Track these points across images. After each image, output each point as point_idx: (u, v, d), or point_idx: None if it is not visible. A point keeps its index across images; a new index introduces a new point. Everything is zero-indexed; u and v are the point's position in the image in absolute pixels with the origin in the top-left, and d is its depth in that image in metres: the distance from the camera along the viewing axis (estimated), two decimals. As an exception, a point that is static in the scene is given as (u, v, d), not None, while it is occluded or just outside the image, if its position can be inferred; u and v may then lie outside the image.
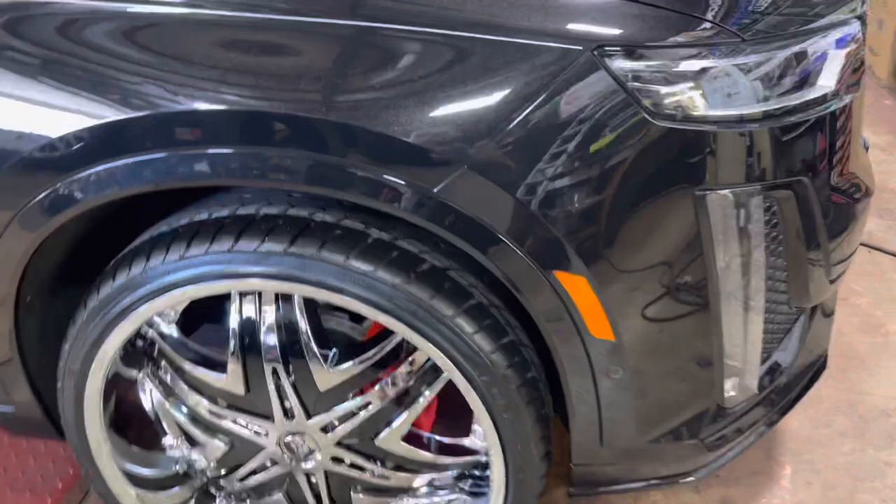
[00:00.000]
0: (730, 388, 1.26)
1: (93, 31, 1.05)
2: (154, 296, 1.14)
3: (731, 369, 1.23)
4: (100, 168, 1.06)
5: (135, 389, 1.38)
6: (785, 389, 1.39)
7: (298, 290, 1.12)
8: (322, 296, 1.11)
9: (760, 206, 1.09)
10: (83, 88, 1.04)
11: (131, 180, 1.07)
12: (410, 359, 1.22)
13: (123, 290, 1.16)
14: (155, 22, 1.04)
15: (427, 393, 1.24)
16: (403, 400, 1.25)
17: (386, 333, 1.24)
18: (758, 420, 1.35)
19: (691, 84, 1.01)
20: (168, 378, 1.34)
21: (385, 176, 1.01)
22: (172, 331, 1.29)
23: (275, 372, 1.24)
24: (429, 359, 1.22)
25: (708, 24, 1.02)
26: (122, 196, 1.10)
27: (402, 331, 1.12)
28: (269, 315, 1.21)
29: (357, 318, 1.37)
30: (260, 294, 1.20)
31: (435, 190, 1.00)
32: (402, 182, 1.00)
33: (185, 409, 1.35)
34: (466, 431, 1.33)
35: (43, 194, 1.10)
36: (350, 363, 1.22)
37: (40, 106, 1.06)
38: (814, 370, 1.47)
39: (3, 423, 1.43)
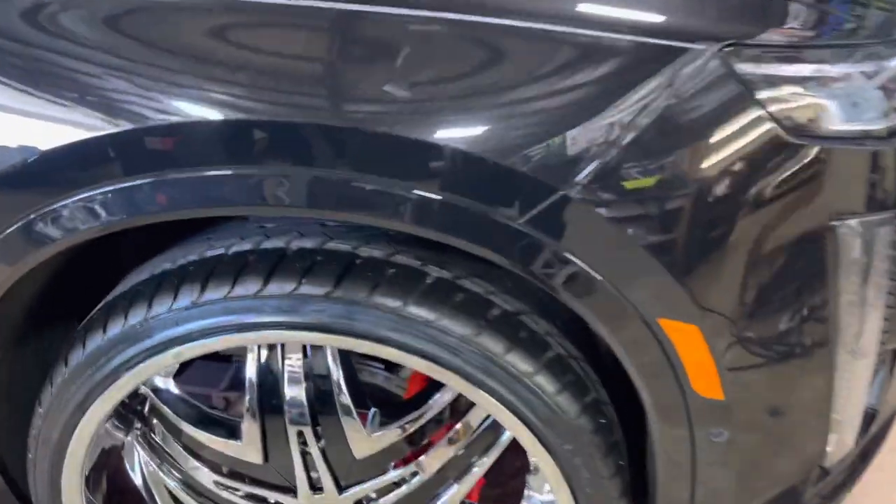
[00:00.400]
0: (831, 445, 1.09)
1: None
2: (158, 351, 0.91)
3: (835, 424, 1.07)
4: (87, 195, 0.83)
5: (119, 457, 1.15)
6: (874, 441, 1.23)
7: (342, 344, 0.91)
8: (371, 350, 0.90)
9: (890, 236, 0.93)
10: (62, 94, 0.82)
11: (131, 209, 0.84)
12: (465, 420, 1.02)
13: (118, 344, 0.92)
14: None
15: (484, 460, 1.04)
16: (455, 469, 1.05)
17: (431, 388, 1.04)
18: (848, 477, 1.19)
19: (827, 92, 0.84)
20: (162, 442, 1.11)
21: (458, 203, 0.81)
22: (169, 385, 1.06)
23: (300, 435, 1.02)
24: (486, 420, 1.02)
25: (850, 21, 0.86)
26: (116, 229, 0.87)
27: (467, 391, 0.92)
28: (295, 364, 0.99)
29: (390, 366, 1.17)
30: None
31: (521, 221, 0.81)
32: (482, 210, 0.81)
33: (182, 480, 1.13)
34: (517, 498, 1.14)
35: (12, 228, 0.87)
36: (394, 425, 1.02)
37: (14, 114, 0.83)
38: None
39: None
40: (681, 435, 0.95)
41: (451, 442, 1.03)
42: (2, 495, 1.19)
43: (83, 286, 1.10)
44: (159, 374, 1.02)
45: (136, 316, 0.91)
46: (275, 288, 0.88)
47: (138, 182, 0.82)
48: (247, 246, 0.93)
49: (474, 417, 1.03)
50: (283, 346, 0.99)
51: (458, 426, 1.03)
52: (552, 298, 1.03)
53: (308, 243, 0.91)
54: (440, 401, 1.01)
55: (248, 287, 0.88)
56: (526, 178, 0.79)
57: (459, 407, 1.03)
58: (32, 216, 0.86)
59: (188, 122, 0.80)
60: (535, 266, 0.83)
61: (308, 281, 0.88)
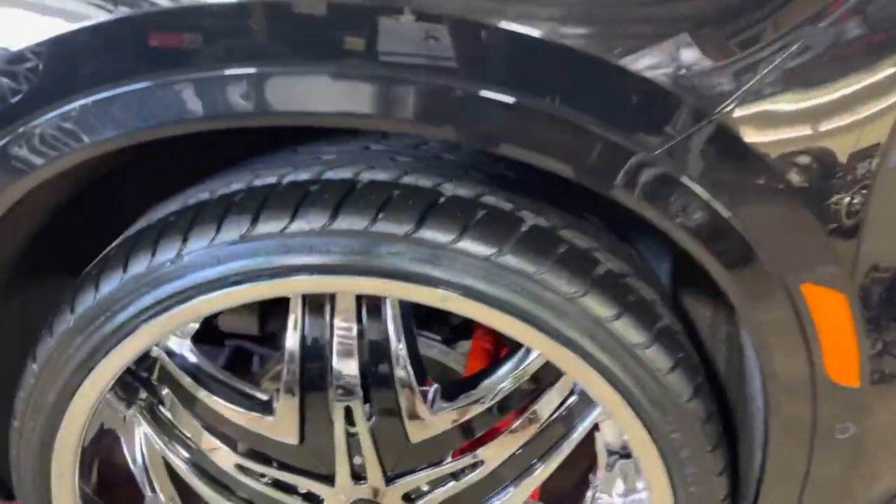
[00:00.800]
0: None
1: None
2: (191, 296, 0.75)
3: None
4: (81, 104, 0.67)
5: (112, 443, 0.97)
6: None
7: (419, 296, 0.75)
8: (453, 305, 0.75)
9: None
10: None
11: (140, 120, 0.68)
12: (540, 404, 0.87)
13: (141, 285, 0.76)
14: None
15: (562, 448, 0.89)
16: (519, 463, 0.90)
17: (494, 365, 0.89)
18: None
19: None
20: (173, 416, 0.94)
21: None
22: (186, 348, 0.90)
23: (348, 413, 0.86)
24: (563, 404, 0.88)
25: None
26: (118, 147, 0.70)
27: (564, 361, 0.77)
28: (346, 329, 0.83)
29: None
30: (333, 299, 0.82)
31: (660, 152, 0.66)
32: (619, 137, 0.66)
33: (192, 461, 0.95)
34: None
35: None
36: (459, 405, 0.86)
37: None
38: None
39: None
40: (800, 426, 0.81)
41: (520, 430, 0.88)
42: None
43: (79, 235, 0.93)
44: (177, 332, 0.85)
45: (168, 251, 0.74)
46: (344, 222, 0.72)
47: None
48: (305, 176, 0.77)
49: (550, 401, 0.88)
50: (332, 305, 0.83)
51: (532, 411, 0.88)
52: (647, 264, 0.90)
53: (381, 175, 0.76)
54: (512, 379, 0.86)
55: (312, 221, 0.72)
56: (675, 100, 0.65)
57: (533, 388, 0.88)
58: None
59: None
60: (663, 204, 0.68)
61: (385, 217, 0.72)
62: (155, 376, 0.92)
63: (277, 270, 0.73)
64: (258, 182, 0.77)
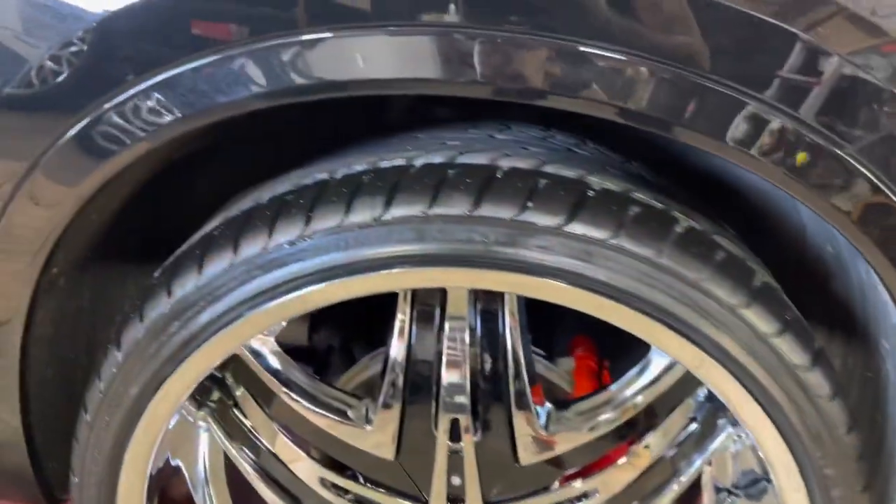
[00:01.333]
0: None
1: None
2: (309, 282, 0.67)
3: None
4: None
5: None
6: None
7: (566, 299, 0.67)
8: (596, 309, 0.67)
9: None
10: None
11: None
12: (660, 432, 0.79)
13: (252, 270, 0.68)
14: None
15: (682, 479, 0.81)
16: (639, 490, 0.82)
17: (606, 385, 0.81)
18: None
19: None
20: (247, 419, 0.85)
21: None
22: (270, 348, 0.81)
23: (453, 426, 0.78)
24: (688, 427, 0.80)
25: None
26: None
27: (715, 380, 0.69)
28: (460, 335, 0.76)
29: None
30: (443, 298, 0.75)
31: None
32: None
33: (261, 465, 0.86)
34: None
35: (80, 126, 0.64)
36: (580, 425, 0.78)
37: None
38: None
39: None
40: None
41: (635, 459, 0.80)
42: (12, 475, 0.90)
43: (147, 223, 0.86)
44: (265, 330, 0.77)
45: (287, 233, 0.67)
46: (490, 209, 0.65)
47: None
48: (438, 159, 0.70)
49: (669, 430, 0.80)
50: (443, 307, 0.75)
51: (648, 439, 0.80)
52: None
53: (521, 164, 0.69)
54: (640, 398, 0.78)
55: (454, 206, 0.65)
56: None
57: (657, 409, 0.81)
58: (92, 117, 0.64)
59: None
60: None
61: (535, 206, 0.65)
62: (231, 377, 0.84)
63: (408, 258, 0.66)
64: (384, 164, 0.70)
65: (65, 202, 0.68)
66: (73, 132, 0.66)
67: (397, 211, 0.65)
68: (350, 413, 0.80)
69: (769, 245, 0.83)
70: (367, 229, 0.65)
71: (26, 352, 0.76)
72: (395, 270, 0.66)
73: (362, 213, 0.66)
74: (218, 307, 0.69)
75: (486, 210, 0.65)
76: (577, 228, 0.65)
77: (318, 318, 1.00)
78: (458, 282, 0.69)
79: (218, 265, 0.69)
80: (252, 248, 0.68)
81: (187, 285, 0.70)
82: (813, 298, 0.86)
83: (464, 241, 0.64)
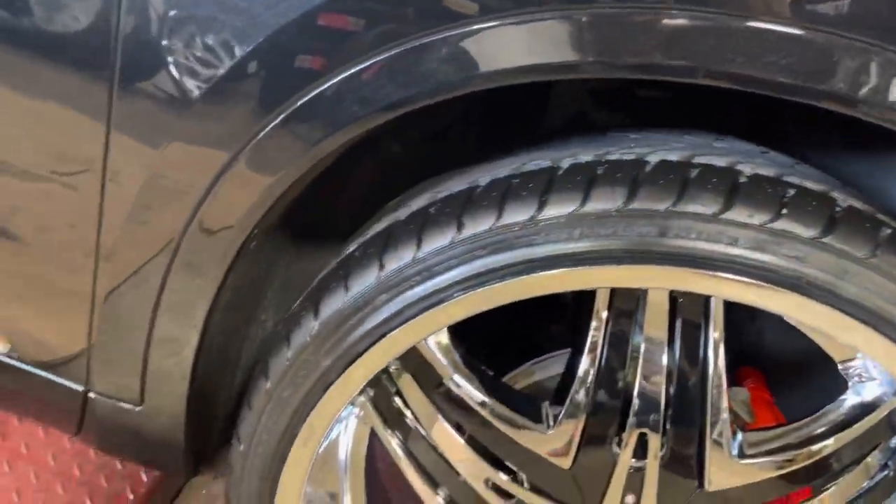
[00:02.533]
0: None
1: None
2: (534, 268, 0.64)
3: None
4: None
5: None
6: None
7: (811, 318, 0.63)
8: (842, 332, 0.63)
9: None
10: None
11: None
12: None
13: (474, 250, 0.66)
14: None
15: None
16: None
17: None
18: None
19: None
20: (412, 413, 0.81)
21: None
22: (444, 337, 0.78)
23: (642, 440, 0.74)
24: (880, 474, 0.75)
25: None
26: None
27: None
28: (657, 343, 0.72)
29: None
30: (640, 302, 0.71)
31: None
32: None
33: (419, 461, 0.83)
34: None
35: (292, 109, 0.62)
36: (776, 456, 0.74)
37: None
38: None
39: (103, 430, 0.86)
40: None
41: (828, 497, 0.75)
42: (165, 447, 0.87)
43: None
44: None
45: (520, 213, 0.64)
46: (735, 214, 0.61)
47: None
48: (674, 157, 0.66)
49: (863, 470, 0.75)
50: (642, 315, 0.72)
51: (843, 477, 0.75)
52: None
53: (768, 171, 0.65)
54: (834, 439, 0.73)
55: (705, 204, 0.62)
56: None
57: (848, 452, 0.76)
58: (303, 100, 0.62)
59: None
60: None
61: (789, 214, 0.62)
62: (395, 367, 0.81)
63: (614, 255, 0.63)
64: (619, 156, 0.67)
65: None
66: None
67: (596, 204, 0.62)
68: (532, 413, 0.76)
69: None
70: (607, 218, 0.62)
71: (210, 319, 0.74)
72: (594, 268, 0.64)
73: (603, 203, 0.63)
74: (428, 286, 0.67)
75: (732, 214, 0.62)
76: (830, 239, 0.61)
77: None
78: (675, 283, 0.66)
79: (471, 228, 0.66)
80: (480, 225, 0.65)
81: (397, 258, 0.67)
82: None
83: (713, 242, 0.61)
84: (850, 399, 0.74)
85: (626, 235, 0.62)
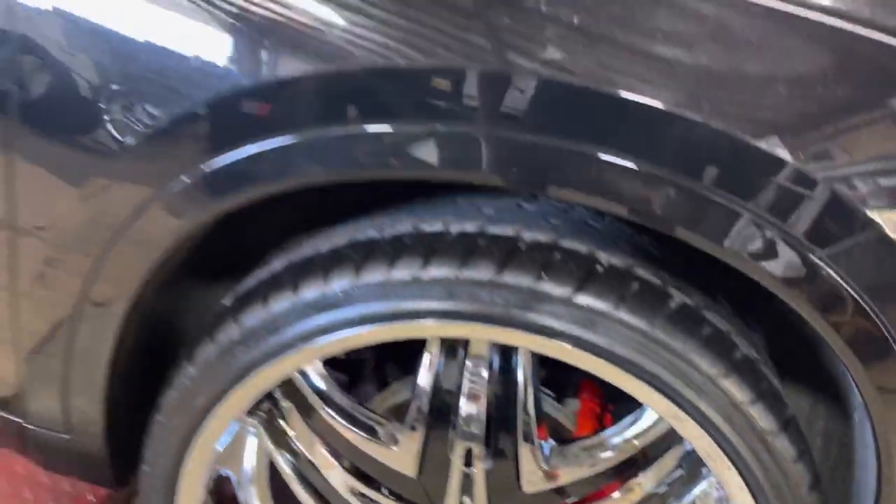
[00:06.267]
0: None
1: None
2: (352, 324, 0.80)
3: None
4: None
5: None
6: None
7: (570, 357, 0.79)
8: (597, 369, 0.79)
9: None
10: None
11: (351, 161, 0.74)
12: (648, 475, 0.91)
13: (308, 309, 0.82)
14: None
15: (665, 519, 0.92)
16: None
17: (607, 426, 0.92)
18: None
19: None
20: (290, 428, 0.98)
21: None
22: (317, 370, 0.94)
23: (468, 454, 0.90)
24: (676, 471, 0.91)
25: None
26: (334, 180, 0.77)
27: (697, 441, 0.80)
28: (479, 374, 0.88)
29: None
30: (467, 344, 0.87)
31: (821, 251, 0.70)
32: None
33: (301, 471, 1.00)
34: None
35: (209, 169, 0.76)
36: (576, 462, 0.90)
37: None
38: None
39: (44, 455, 1.04)
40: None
41: (624, 497, 0.91)
42: (94, 463, 1.04)
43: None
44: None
45: (340, 282, 0.80)
46: (510, 278, 0.77)
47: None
48: (469, 227, 0.82)
49: (654, 474, 0.91)
50: (465, 352, 0.88)
51: (637, 480, 0.91)
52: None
53: (542, 236, 0.81)
54: (634, 442, 0.89)
55: (480, 272, 0.77)
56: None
57: (649, 453, 0.92)
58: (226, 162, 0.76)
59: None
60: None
61: (548, 278, 0.77)
62: (280, 391, 0.97)
63: (443, 312, 0.78)
64: (425, 227, 0.82)
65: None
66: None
67: (432, 272, 0.78)
68: (382, 434, 0.93)
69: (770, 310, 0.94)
70: (406, 286, 0.78)
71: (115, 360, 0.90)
72: (422, 322, 0.79)
73: (402, 271, 0.78)
74: (280, 338, 0.83)
75: (508, 278, 0.77)
76: (581, 299, 0.77)
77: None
78: (475, 335, 0.82)
79: (282, 303, 0.82)
80: (311, 292, 0.81)
81: (256, 317, 0.83)
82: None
83: (483, 303, 0.77)
84: (645, 413, 0.90)
85: (418, 299, 0.78)
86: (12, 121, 0.80)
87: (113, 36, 0.77)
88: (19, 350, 0.94)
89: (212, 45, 0.75)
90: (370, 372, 1.17)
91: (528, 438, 0.88)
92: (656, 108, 0.68)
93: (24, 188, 0.84)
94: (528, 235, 0.81)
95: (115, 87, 0.77)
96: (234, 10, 0.74)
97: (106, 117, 0.77)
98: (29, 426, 1.00)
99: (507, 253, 0.79)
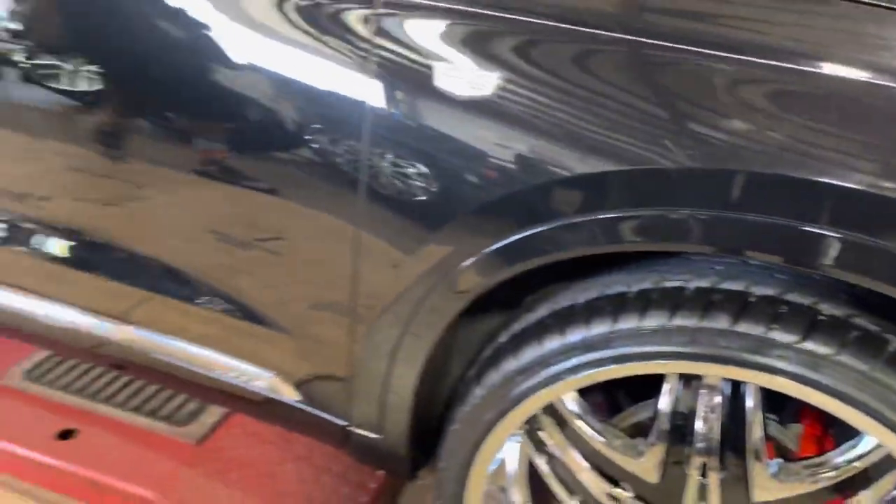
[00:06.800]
0: None
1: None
2: (613, 362, 1.02)
3: None
4: (603, 216, 0.95)
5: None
6: None
7: (800, 393, 0.96)
8: (827, 404, 0.94)
9: None
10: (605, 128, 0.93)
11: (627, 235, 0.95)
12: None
13: (571, 350, 1.05)
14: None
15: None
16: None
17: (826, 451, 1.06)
18: None
19: None
20: (549, 439, 1.22)
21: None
22: (573, 395, 1.17)
23: (703, 467, 1.08)
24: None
25: None
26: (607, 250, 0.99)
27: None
28: (712, 402, 1.06)
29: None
30: (701, 377, 1.05)
31: None
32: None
33: (558, 473, 1.23)
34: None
35: (515, 238, 1.01)
36: (801, 479, 1.05)
37: (550, 139, 0.97)
38: None
39: (359, 451, 1.37)
40: None
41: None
42: (396, 459, 1.35)
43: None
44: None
45: (600, 328, 1.03)
46: (743, 328, 0.95)
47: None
48: (704, 283, 1.01)
49: (884, 487, 1.04)
50: (700, 382, 1.06)
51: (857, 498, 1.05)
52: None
53: (769, 290, 0.98)
54: (854, 464, 1.03)
55: (718, 322, 0.96)
56: None
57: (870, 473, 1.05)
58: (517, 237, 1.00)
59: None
60: None
61: (777, 328, 0.94)
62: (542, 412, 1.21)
63: (686, 354, 0.98)
64: (667, 284, 1.02)
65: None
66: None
67: (678, 321, 0.98)
68: (630, 448, 1.13)
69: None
70: (652, 333, 0.99)
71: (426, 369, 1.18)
72: (671, 362, 1.00)
73: (652, 320, 0.99)
74: (550, 370, 1.07)
75: (743, 327, 0.95)
76: (806, 345, 0.93)
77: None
78: (718, 373, 1.01)
79: (552, 343, 1.06)
80: (575, 335, 1.04)
81: (532, 352, 1.08)
82: None
83: (721, 347, 0.96)
84: (865, 438, 1.03)
85: (663, 344, 0.98)
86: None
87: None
88: (350, 371, 1.27)
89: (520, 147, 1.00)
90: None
91: (757, 457, 1.05)
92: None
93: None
94: (757, 290, 0.98)
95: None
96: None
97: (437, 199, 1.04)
98: (352, 429, 1.33)
99: (740, 306, 0.96)
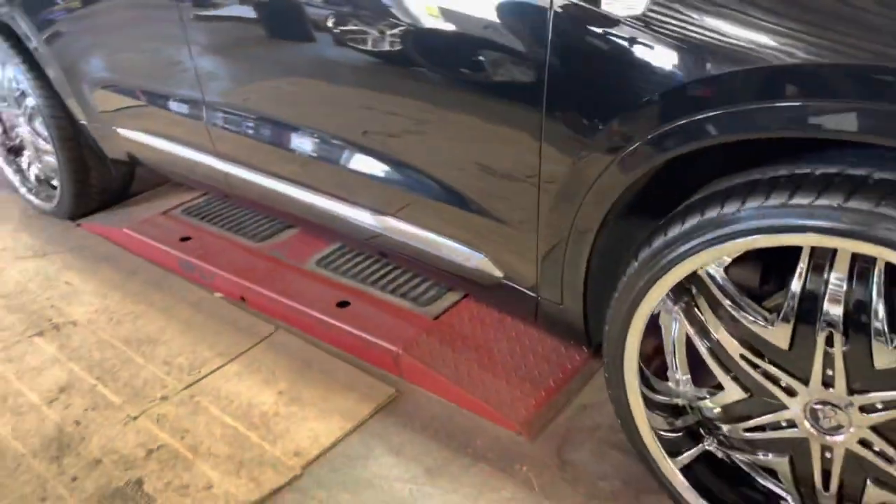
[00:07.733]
0: None
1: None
2: (740, 235, 1.23)
3: None
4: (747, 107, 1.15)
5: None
6: None
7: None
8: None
9: None
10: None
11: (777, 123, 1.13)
12: None
13: (706, 226, 1.27)
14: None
15: None
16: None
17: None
18: None
19: None
20: (703, 315, 1.43)
21: None
22: (720, 274, 1.37)
23: (829, 338, 1.24)
24: None
25: None
26: (748, 137, 1.18)
27: None
28: (839, 282, 1.20)
29: None
30: (832, 258, 1.20)
31: None
32: None
33: (710, 347, 1.43)
34: None
35: (666, 128, 1.25)
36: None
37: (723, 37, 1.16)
38: None
39: (546, 320, 1.70)
40: None
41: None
42: (572, 328, 1.66)
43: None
44: (716, 262, 1.33)
45: (733, 206, 1.23)
46: (854, 203, 1.10)
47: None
48: (833, 170, 1.16)
49: None
50: (831, 262, 1.20)
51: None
52: None
53: (888, 175, 1.10)
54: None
55: (831, 199, 1.12)
56: None
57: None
58: (671, 127, 1.23)
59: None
60: None
61: (886, 204, 1.08)
62: (695, 289, 1.43)
63: (802, 228, 1.15)
64: (797, 171, 1.19)
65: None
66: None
67: (797, 199, 1.15)
68: (765, 319, 1.31)
69: None
70: (776, 209, 1.17)
71: (594, 247, 1.48)
72: (789, 235, 1.17)
73: (775, 199, 1.18)
74: (688, 244, 1.29)
75: (852, 204, 1.10)
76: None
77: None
78: (832, 244, 1.15)
79: (692, 221, 1.28)
80: (711, 213, 1.26)
81: (674, 230, 1.31)
82: None
83: (835, 220, 1.11)
84: None
85: (783, 218, 1.16)
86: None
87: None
88: (537, 257, 1.59)
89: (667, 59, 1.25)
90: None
91: (877, 333, 1.18)
92: None
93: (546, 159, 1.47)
94: (878, 175, 1.11)
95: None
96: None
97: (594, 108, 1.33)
98: (541, 298, 1.66)
99: (854, 187, 1.11)
